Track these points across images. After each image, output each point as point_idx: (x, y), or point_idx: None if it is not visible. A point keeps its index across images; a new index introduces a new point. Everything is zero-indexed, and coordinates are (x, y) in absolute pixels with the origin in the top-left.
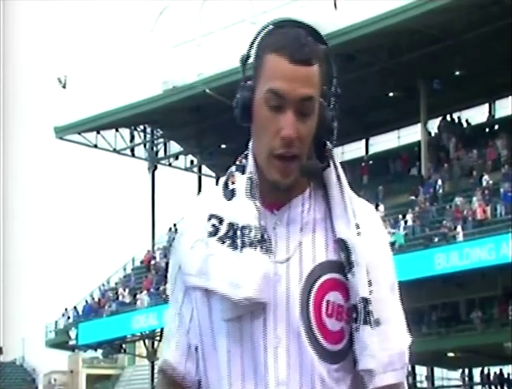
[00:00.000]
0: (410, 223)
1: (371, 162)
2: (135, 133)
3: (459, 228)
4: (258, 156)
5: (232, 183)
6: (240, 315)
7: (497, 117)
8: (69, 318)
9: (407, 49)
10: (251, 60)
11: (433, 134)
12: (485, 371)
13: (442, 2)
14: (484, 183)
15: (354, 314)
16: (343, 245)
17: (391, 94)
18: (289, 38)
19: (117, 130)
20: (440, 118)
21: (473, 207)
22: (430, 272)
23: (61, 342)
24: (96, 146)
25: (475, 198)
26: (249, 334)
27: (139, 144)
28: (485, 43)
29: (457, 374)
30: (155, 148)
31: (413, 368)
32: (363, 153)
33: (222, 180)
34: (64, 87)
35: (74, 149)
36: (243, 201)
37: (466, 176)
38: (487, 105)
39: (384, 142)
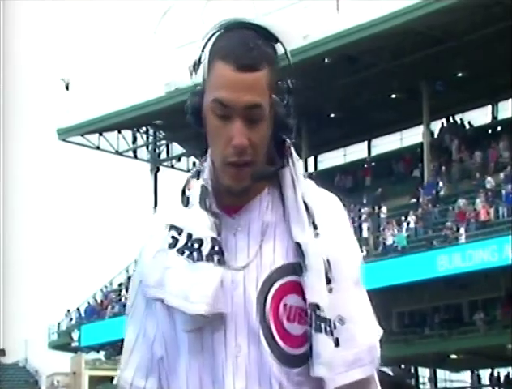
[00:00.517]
0: (412, 225)
1: (373, 164)
2: (138, 134)
3: (462, 230)
4: (214, 161)
5: (189, 189)
6: (199, 327)
7: (499, 118)
8: (71, 319)
9: (409, 51)
10: (201, 66)
11: (435, 136)
12: (495, 374)
13: (445, 3)
14: (487, 185)
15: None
16: (298, 249)
17: (394, 95)
18: (236, 43)
19: (119, 132)
20: (442, 120)
21: (476, 209)
22: (433, 274)
23: (63, 344)
24: (98, 148)
25: (478, 200)
26: (210, 344)
27: (142, 146)
28: (488, 44)
29: (460, 375)
30: (157, 150)
31: (416, 370)
32: (365, 155)
33: (181, 186)
34: (67, 88)
35: (76, 151)
36: (196, 211)
37: (468, 177)
38: (489, 107)
39: (386, 143)
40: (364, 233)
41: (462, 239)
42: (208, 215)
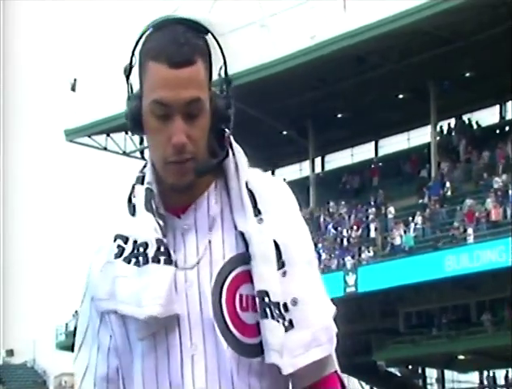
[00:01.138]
0: (420, 225)
1: (381, 164)
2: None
3: (470, 231)
4: (155, 163)
5: (134, 197)
6: (154, 332)
7: (507, 118)
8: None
9: (416, 51)
10: (134, 69)
11: (443, 136)
12: (510, 375)
13: (452, 3)
14: (495, 185)
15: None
16: (242, 238)
17: (401, 96)
18: (166, 41)
19: (126, 133)
20: (450, 120)
21: (483, 209)
22: (440, 274)
23: (71, 344)
24: (105, 148)
25: (489, 200)
26: (165, 349)
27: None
28: (495, 44)
29: (467, 376)
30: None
31: (423, 370)
32: (373, 155)
33: (126, 195)
34: (73, 90)
35: (83, 152)
36: (142, 215)
37: (476, 178)
38: (497, 107)
39: (394, 143)
40: (372, 234)
41: (470, 239)
42: (154, 217)
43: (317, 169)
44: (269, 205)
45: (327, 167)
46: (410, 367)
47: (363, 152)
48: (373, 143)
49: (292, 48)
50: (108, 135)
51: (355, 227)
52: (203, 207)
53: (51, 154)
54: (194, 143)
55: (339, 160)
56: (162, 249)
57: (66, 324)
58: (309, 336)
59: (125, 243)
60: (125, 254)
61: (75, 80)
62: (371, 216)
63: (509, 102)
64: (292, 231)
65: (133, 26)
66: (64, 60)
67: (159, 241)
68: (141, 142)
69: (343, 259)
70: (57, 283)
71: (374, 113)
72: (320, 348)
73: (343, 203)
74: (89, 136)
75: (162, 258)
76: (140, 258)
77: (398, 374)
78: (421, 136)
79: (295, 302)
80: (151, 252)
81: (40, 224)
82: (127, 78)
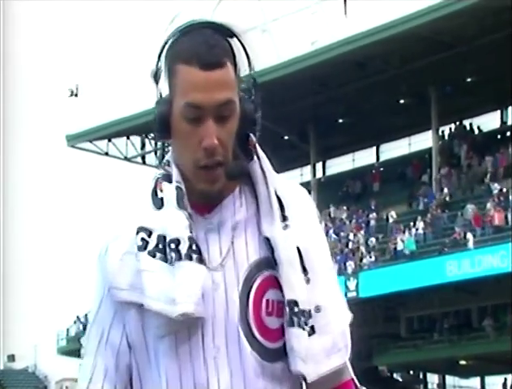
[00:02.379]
0: (421, 230)
1: (382, 169)
2: (146, 141)
3: (471, 236)
4: (183, 167)
5: (161, 191)
6: (175, 331)
7: (508, 123)
8: (80, 325)
9: (418, 56)
10: (162, 74)
11: (444, 141)
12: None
13: (454, 8)
14: (496, 190)
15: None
16: (267, 244)
17: (402, 101)
18: (196, 43)
19: (128, 138)
20: (451, 125)
21: (485, 214)
22: (442, 279)
23: (72, 349)
24: (107, 154)
25: (489, 205)
26: (187, 349)
27: (150, 152)
28: (497, 49)
29: (469, 381)
30: (166, 156)
31: (425, 376)
32: (374, 160)
33: (150, 187)
34: (76, 95)
35: (85, 157)
36: (173, 212)
37: (477, 183)
38: (498, 112)
39: (395, 148)
40: (373, 239)
41: (471, 244)
42: (186, 215)
43: (319, 174)
44: (293, 212)
45: (328, 172)
46: (411, 372)
47: (364, 157)
48: (374, 148)
49: (293, 53)
50: (109, 141)
51: (356, 232)
52: (229, 209)
53: (52, 159)
54: (223, 147)
55: (340, 165)
56: (194, 247)
57: (68, 329)
58: (329, 342)
59: (149, 237)
60: (150, 247)
61: (77, 86)
62: (372, 221)
63: (511, 107)
64: (313, 238)
65: (135, 32)
66: (66, 65)
67: (191, 239)
68: (142, 147)
69: (345, 264)
70: (58, 288)
71: (375, 118)
72: (339, 354)
73: (344, 207)
74: (90, 141)
75: (194, 256)
76: (173, 254)
77: (400, 379)
78: (422, 141)
79: (318, 309)
80: (183, 249)
81: (41, 229)
82: (156, 82)
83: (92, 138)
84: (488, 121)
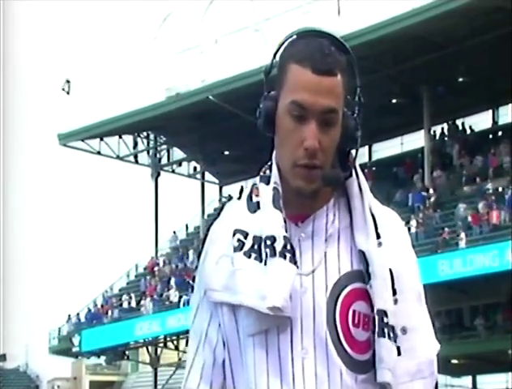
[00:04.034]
0: (413, 229)
1: (374, 168)
2: (139, 139)
3: (463, 235)
4: (281, 165)
5: (256, 196)
6: (266, 329)
7: (500, 123)
8: (72, 324)
9: (410, 56)
10: (274, 71)
11: (436, 141)
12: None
13: (446, 8)
14: (488, 190)
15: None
16: (362, 257)
17: (395, 100)
18: (312, 48)
19: (120, 137)
20: (443, 125)
21: (477, 214)
22: (434, 279)
23: (64, 349)
24: (99, 153)
25: (481, 204)
26: (276, 347)
27: (143, 151)
28: (489, 49)
29: (461, 380)
30: (158, 155)
31: None
32: (366, 159)
33: (245, 193)
34: (68, 93)
35: (77, 156)
36: (269, 211)
37: (469, 182)
38: (490, 112)
39: (387, 148)
40: None
41: (463, 244)
42: (282, 214)
43: None
44: (386, 232)
45: None
46: None
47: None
48: (366, 147)
49: None
50: (101, 139)
51: None
52: (322, 220)
53: (44, 158)
54: (323, 153)
55: None
56: (288, 247)
57: (59, 328)
58: (414, 367)
59: (245, 238)
60: (246, 248)
61: (69, 82)
62: None
63: (502, 107)
64: (405, 262)
65: (127, 31)
66: (58, 64)
67: (286, 239)
68: (134, 146)
69: None
70: (50, 287)
71: (368, 117)
72: (423, 380)
73: None
74: (83, 140)
75: (288, 256)
76: (267, 250)
77: None
78: (415, 141)
79: (404, 331)
80: (278, 247)
81: (33, 229)
82: (266, 78)
83: (84, 137)
84: (480, 121)
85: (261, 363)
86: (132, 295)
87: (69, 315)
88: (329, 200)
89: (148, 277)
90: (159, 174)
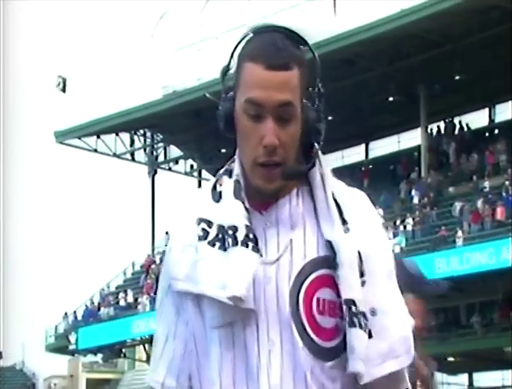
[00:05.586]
0: (410, 227)
1: (371, 166)
2: (135, 137)
3: (459, 233)
4: (243, 163)
5: (220, 185)
6: (231, 322)
7: (496, 121)
8: (69, 322)
9: (407, 54)
10: (232, 70)
11: (433, 139)
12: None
13: (442, 6)
14: (484, 188)
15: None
16: (329, 247)
17: (391, 99)
18: (265, 44)
19: (117, 135)
20: (440, 123)
21: (474, 212)
22: (431, 277)
23: (61, 346)
24: (96, 150)
25: (477, 202)
26: (242, 340)
27: (139, 149)
28: (485, 48)
29: (457, 378)
30: (155, 153)
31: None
32: (363, 157)
33: (210, 183)
34: (64, 91)
35: (74, 153)
36: (230, 201)
37: (466, 180)
38: (487, 110)
39: (384, 146)
40: None
41: (460, 242)
42: (243, 204)
43: None
44: (353, 216)
45: None
46: None
47: (353, 155)
48: (363, 145)
49: None
50: (98, 137)
51: None
52: (285, 208)
53: (41, 156)
54: (284, 149)
55: (329, 162)
56: (251, 236)
57: (56, 326)
58: (386, 348)
59: (210, 227)
60: (210, 237)
61: (65, 80)
62: None
63: (499, 105)
64: (374, 242)
65: (124, 29)
66: (55, 61)
67: (248, 228)
68: (131, 144)
69: None
70: (47, 284)
71: (364, 115)
72: (397, 359)
73: None
74: (79, 138)
75: (250, 245)
76: (229, 240)
77: None
78: (411, 139)
79: (373, 312)
80: (240, 236)
81: (29, 227)
82: (223, 79)
83: (81, 135)
84: (477, 119)
85: (226, 357)
86: (129, 293)
87: (65, 313)
88: (292, 189)
89: (145, 275)
90: (155, 172)
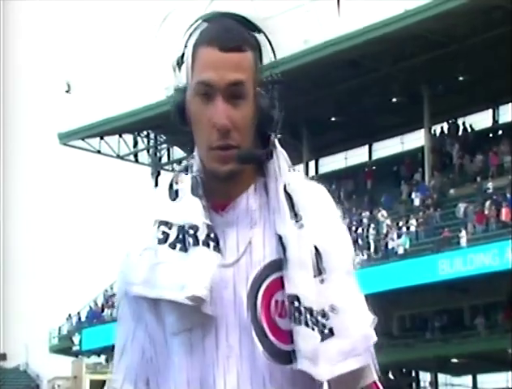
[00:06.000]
0: (413, 229)
1: (374, 167)
2: (139, 139)
3: (463, 234)
4: (199, 152)
5: (176, 183)
6: (190, 328)
7: (500, 122)
8: (72, 323)
9: (410, 55)
10: (186, 60)
11: (436, 140)
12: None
13: (446, 7)
14: (488, 189)
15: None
16: (279, 242)
17: (395, 99)
18: (219, 29)
19: (120, 136)
20: (443, 124)
21: (478, 213)
22: (434, 278)
23: (64, 348)
24: (99, 152)
25: (481, 203)
26: (200, 347)
27: (143, 150)
28: (489, 48)
29: (461, 380)
30: (158, 154)
31: (417, 374)
32: (366, 158)
33: (166, 181)
34: (68, 92)
35: (77, 155)
36: (188, 200)
37: (469, 181)
38: (490, 111)
39: (387, 147)
40: (365, 237)
41: (464, 243)
42: (201, 201)
43: (311, 173)
44: (309, 210)
45: (321, 170)
46: (403, 370)
47: (357, 156)
48: (366, 146)
49: (286, 51)
50: (101, 138)
51: (348, 230)
52: (242, 206)
53: (44, 157)
54: (238, 132)
55: (332, 163)
56: (212, 235)
57: (60, 328)
58: (347, 345)
59: (170, 229)
60: (170, 239)
61: (69, 84)
62: (365, 220)
63: (503, 106)
64: (332, 238)
65: (127, 31)
66: (59, 63)
67: (209, 227)
68: (134, 145)
69: None
70: (51, 286)
71: (368, 116)
72: (358, 357)
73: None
74: (83, 139)
75: (212, 244)
76: (190, 240)
77: (392, 378)
78: (415, 140)
79: (333, 309)
80: (201, 235)
81: (33, 228)
82: (175, 70)
83: (84, 136)
84: (481, 120)
85: (181, 367)
86: None
87: (69, 314)
88: (249, 187)
89: None
90: (159, 173)
